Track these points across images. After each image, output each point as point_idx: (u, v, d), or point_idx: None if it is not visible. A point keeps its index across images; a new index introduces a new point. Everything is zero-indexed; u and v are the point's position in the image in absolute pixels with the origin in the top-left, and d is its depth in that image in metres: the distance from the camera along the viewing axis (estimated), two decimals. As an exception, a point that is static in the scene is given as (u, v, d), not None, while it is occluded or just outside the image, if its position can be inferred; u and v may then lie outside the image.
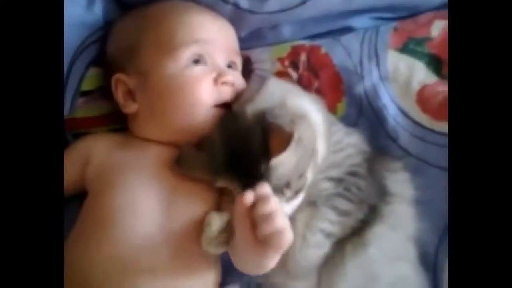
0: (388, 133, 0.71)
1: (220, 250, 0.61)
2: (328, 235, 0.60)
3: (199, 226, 0.61)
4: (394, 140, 0.71)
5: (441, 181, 0.67)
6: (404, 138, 0.71)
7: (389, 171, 0.66)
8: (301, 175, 0.58)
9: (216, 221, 0.60)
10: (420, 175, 0.68)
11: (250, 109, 0.60)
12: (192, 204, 0.63)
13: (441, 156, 0.69)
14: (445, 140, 0.69)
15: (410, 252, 0.65)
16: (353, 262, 0.60)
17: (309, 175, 0.60)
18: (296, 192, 0.59)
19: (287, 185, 0.57)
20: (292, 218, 0.59)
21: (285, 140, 0.55)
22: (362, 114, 0.73)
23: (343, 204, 0.61)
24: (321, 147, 0.62)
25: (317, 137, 0.61)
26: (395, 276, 0.62)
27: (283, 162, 0.56)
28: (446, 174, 0.67)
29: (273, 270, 0.64)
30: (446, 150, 0.67)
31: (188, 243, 0.61)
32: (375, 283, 0.61)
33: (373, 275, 0.61)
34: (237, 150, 0.58)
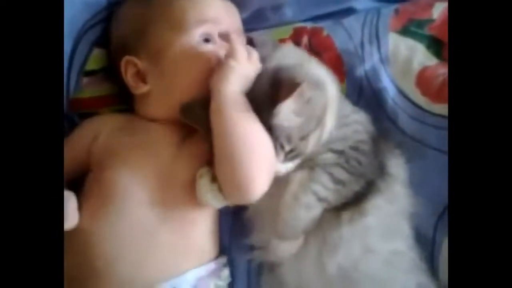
0: (388, 115, 0.72)
1: (216, 201, 0.64)
2: (320, 199, 0.62)
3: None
4: (393, 121, 0.72)
5: (439, 162, 0.69)
6: (403, 119, 0.72)
7: (390, 153, 0.68)
8: (303, 138, 0.61)
9: (208, 173, 0.63)
10: (418, 157, 0.69)
11: (266, 64, 0.64)
12: (191, 178, 0.65)
13: (439, 138, 0.70)
14: (443, 123, 0.70)
15: (404, 229, 0.67)
16: (349, 229, 0.62)
17: (311, 143, 0.62)
18: (294, 156, 0.62)
19: (288, 139, 0.60)
20: (287, 178, 0.63)
21: (292, 89, 0.57)
22: (363, 96, 0.74)
23: (340, 173, 0.62)
24: (330, 122, 0.63)
25: (328, 109, 0.63)
26: (390, 251, 0.64)
27: (286, 112, 0.59)
28: (444, 156, 0.69)
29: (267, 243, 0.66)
30: (444, 132, 0.69)
31: (186, 215, 0.66)
32: (371, 256, 0.63)
33: (369, 247, 0.63)
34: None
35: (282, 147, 0.61)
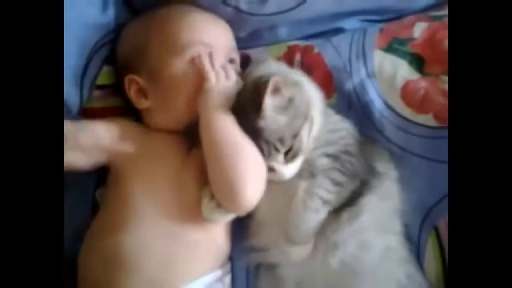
0: (375, 125, 0.76)
1: (218, 215, 0.68)
2: (325, 202, 0.67)
3: None
4: (380, 131, 0.76)
5: (422, 169, 0.73)
6: (389, 129, 0.76)
7: (378, 154, 0.73)
8: (295, 135, 0.66)
9: (209, 190, 0.68)
10: (403, 164, 0.74)
11: (249, 77, 0.71)
12: (199, 185, 0.70)
13: (423, 146, 0.74)
14: (426, 131, 0.75)
15: (396, 225, 0.71)
16: (348, 229, 0.67)
17: (304, 138, 0.67)
18: (293, 156, 0.66)
19: (281, 141, 0.65)
20: (294, 186, 0.67)
21: (266, 85, 0.63)
22: (351, 108, 0.78)
23: (338, 177, 0.68)
24: (318, 117, 0.69)
25: (312, 106, 0.68)
26: (384, 246, 0.68)
27: (269, 112, 0.64)
28: (427, 162, 0.74)
29: (271, 247, 0.71)
30: (427, 140, 0.74)
31: (197, 225, 0.69)
32: (367, 251, 0.67)
33: (365, 244, 0.67)
34: (233, 108, 0.68)
35: (276, 149, 0.66)
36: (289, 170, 0.67)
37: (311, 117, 0.68)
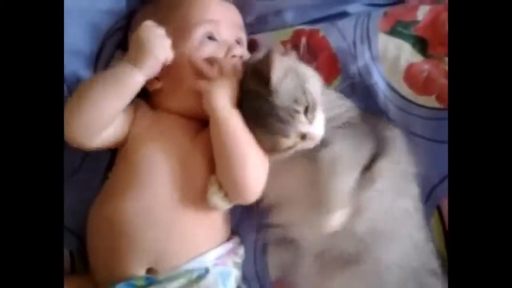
0: (380, 107, 0.78)
1: (224, 204, 0.71)
2: (350, 163, 0.69)
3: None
4: (385, 113, 0.78)
5: (426, 149, 0.75)
6: (393, 111, 0.77)
7: (382, 125, 0.75)
8: (304, 91, 0.67)
9: (216, 180, 0.71)
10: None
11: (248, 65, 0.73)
12: (205, 167, 0.73)
13: (425, 127, 0.76)
14: (428, 113, 0.76)
15: (411, 188, 0.73)
16: (367, 194, 0.69)
17: (314, 90, 0.68)
18: (313, 111, 0.67)
19: (296, 101, 0.66)
20: (313, 160, 0.69)
21: (270, 56, 0.67)
22: (356, 91, 0.79)
23: (353, 139, 0.70)
24: (316, 80, 0.71)
25: (310, 75, 0.71)
26: (402, 209, 0.71)
27: (280, 84, 0.67)
28: (429, 143, 0.75)
29: (292, 225, 0.74)
30: (430, 121, 0.76)
31: (200, 200, 0.72)
32: (387, 214, 0.70)
33: (385, 207, 0.70)
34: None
35: (296, 111, 0.66)
36: (318, 127, 0.68)
37: (308, 75, 0.70)
